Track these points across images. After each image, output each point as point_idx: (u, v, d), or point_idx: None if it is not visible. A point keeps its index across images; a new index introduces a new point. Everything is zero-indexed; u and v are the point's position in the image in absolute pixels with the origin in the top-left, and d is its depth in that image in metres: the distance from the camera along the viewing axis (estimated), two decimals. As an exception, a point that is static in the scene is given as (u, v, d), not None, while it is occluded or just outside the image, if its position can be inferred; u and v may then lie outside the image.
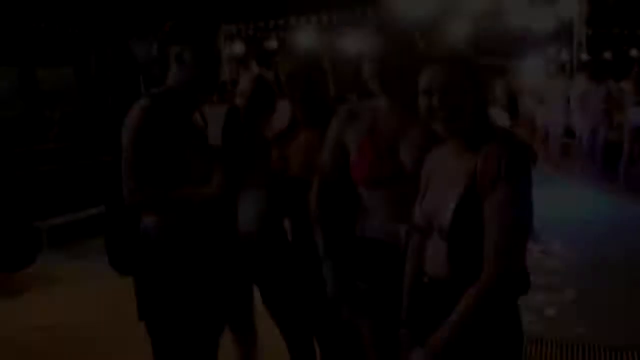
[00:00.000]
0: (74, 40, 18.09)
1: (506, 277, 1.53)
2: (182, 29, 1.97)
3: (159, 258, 1.94)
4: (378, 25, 1.95)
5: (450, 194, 1.58)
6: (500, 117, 11.36)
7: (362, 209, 1.96)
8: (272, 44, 17.92)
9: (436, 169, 1.71)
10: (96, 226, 6.75)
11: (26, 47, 17.19)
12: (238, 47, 14.31)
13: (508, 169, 1.50)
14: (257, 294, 2.61)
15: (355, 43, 16.58)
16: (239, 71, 12.35)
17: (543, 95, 11.90)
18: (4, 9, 12.38)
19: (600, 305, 4.22)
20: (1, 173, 6.02)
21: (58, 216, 6.44)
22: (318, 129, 2.15)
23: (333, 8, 14.67)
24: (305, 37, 16.76)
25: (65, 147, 15.12)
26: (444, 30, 14.45)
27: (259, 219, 2.37)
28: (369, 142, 1.87)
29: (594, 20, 14.51)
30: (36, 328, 4.05)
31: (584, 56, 12.63)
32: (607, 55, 20.89)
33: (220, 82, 2.08)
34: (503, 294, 1.56)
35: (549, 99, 11.79)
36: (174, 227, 1.97)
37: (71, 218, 6.49)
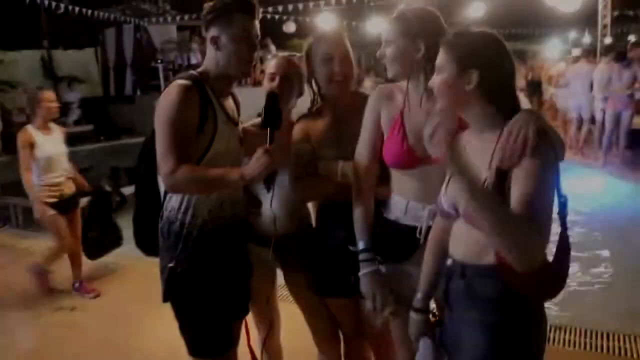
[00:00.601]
0: (94, 22, 18.31)
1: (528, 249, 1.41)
2: (220, 11, 1.91)
3: (195, 247, 1.93)
4: (400, 10, 1.91)
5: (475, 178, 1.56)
6: (521, 102, 11.20)
7: (391, 188, 1.97)
8: (291, 26, 17.92)
9: (461, 153, 1.69)
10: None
11: (48, 30, 17.42)
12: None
13: (532, 144, 1.45)
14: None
15: (374, 26, 16.56)
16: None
17: (566, 79, 11.75)
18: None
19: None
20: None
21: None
22: (345, 112, 2.16)
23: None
24: (325, 20, 16.76)
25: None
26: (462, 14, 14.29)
27: (291, 205, 2.36)
28: (400, 124, 1.88)
29: (620, 1, 14.19)
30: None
31: (608, 39, 12.32)
32: (632, 38, 20.51)
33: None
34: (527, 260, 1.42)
35: (571, 83, 11.64)
36: (212, 218, 1.95)
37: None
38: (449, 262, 1.70)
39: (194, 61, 17.11)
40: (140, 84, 17.61)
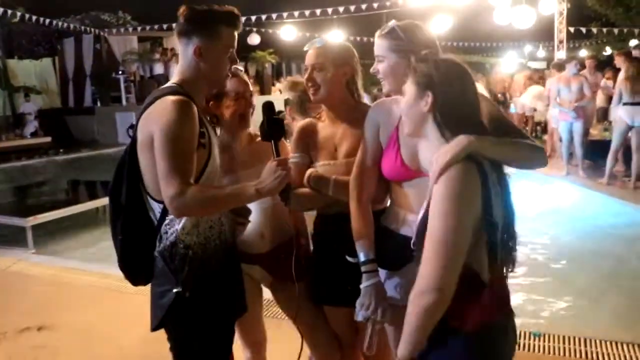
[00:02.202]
0: (52, 32, 17.85)
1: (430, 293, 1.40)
2: (206, 22, 1.85)
3: (202, 267, 1.86)
4: (390, 26, 1.92)
5: None
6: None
7: (390, 199, 1.99)
8: (255, 38, 17.90)
9: None
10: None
11: (2, 39, 16.90)
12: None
13: (437, 170, 1.46)
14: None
15: (336, 38, 16.72)
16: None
17: (523, 92, 12.09)
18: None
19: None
20: None
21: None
22: (345, 123, 2.17)
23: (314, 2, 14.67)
24: (287, 33, 16.82)
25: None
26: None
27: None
28: (396, 139, 1.88)
29: (574, 18, 14.73)
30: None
31: (562, 53, 12.76)
32: (584, 52, 21.32)
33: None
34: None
35: (530, 96, 11.98)
36: (216, 238, 1.90)
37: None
38: None
39: (156, 72, 16.91)
40: (101, 95, 17.27)
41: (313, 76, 2.13)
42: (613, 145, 7.52)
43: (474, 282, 1.48)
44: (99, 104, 17.26)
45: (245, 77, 2.34)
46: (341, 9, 14.30)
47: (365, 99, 2.48)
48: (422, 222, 1.52)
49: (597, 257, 5.28)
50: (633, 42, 17.21)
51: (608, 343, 3.29)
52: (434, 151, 1.53)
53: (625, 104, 7.23)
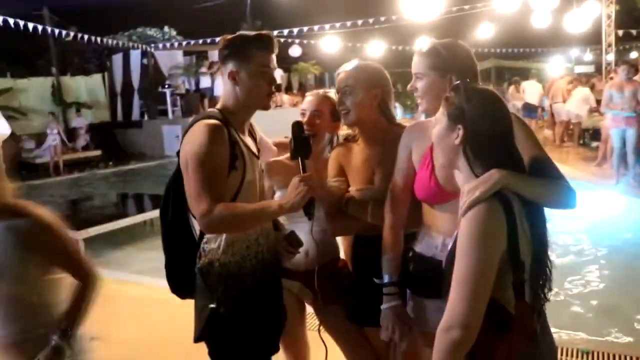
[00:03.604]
0: (101, 49, 18.51)
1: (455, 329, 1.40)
2: (238, 47, 1.92)
3: (237, 286, 1.93)
4: (431, 43, 1.92)
5: None
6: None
7: (423, 222, 1.97)
8: (296, 50, 18.10)
9: None
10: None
11: (56, 57, 17.62)
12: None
13: (465, 207, 1.45)
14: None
15: (376, 49, 16.69)
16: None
17: (571, 96, 11.78)
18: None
19: None
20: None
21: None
22: (380, 146, 2.16)
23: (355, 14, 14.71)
24: (329, 44, 16.92)
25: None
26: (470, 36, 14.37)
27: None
28: (430, 159, 1.86)
29: (624, 20, 14.29)
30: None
31: (611, 56, 12.40)
32: (634, 54, 20.63)
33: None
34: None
35: (576, 100, 11.66)
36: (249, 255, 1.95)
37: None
38: None
39: (202, 85, 17.28)
40: (148, 109, 17.75)
41: (343, 99, 2.14)
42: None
43: (500, 316, 1.47)
44: (146, 117, 17.77)
45: (323, 95, 2.35)
46: (382, 18, 14.31)
47: (397, 110, 2.47)
48: (451, 251, 1.52)
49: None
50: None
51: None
52: (465, 182, 1.52)
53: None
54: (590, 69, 20.23)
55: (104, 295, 4.62)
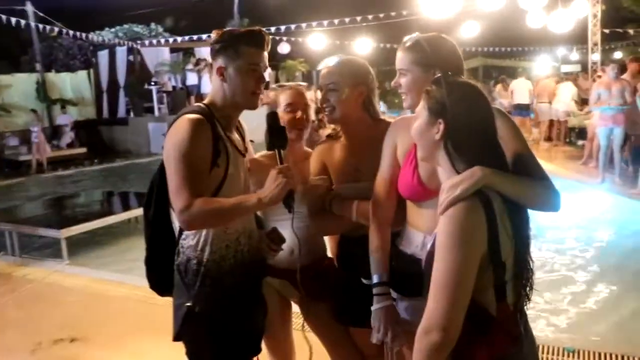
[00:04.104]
0: (86, 45, 18.36)
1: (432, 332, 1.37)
2: (228, 42, 1.86)
3: (214, 284, 1.89)
4: (414, 38, 1.88)
5: None
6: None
7: (406, 219, 1.93)
8: (285, 47, 18.03)
9: None
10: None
11: (41, 54, 17.43)
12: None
13: (445, 204, 1.40)
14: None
15: (363, 46, 16.68)
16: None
17: (557, 95, 11.83)
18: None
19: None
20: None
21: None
22: (364, 142, 2.11)
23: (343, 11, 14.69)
24: (316, 41, 16.86)
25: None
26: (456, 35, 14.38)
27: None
28: (413, 156, 1.82)
29: (610, 20, 14.38)
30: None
31: (596, 56, 12.46)
32: (619, 54, 20.81)
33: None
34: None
35: (563, 98, 11.71)
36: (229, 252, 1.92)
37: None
38: None
39: (189, 83, 17.18)
40: (134, 106, 17.61)
41: (327, 96, 2.08)
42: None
43: (482, 317, 1.43)
44: (132, 114, 17.63)
45: (302, 89, 2.30)
46: (370, 16, 14.29)
47: (381, 108, 2.44)
48: (431, 250, 1.47)
49: (635, 269, 5.12)
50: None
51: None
52: (446, 178, 1.47)
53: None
54: (576, 68, 20.34)
55: (88, 295, 4.62)
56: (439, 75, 1.56)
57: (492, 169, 1.43)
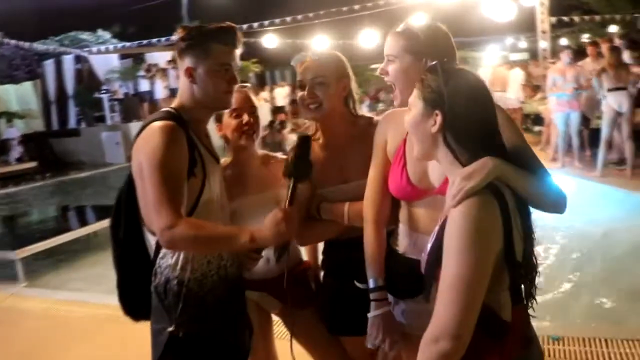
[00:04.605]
0: (31, 55, 17.69)
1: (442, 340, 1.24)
2: (196, 40, 1.71)
3: (198, 305, 1.74)
4: (405, 25, 1.76)
5: None
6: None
7: (399, 219, 1.82)
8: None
9: None
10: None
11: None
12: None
13: (457, 198, 1.28)
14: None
15: (323, 44, 16.62)
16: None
17: (508, 84, 12.03)
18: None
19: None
20: None
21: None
22: (344, 141, 2.02)
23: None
24: (269, 41, 16.69)
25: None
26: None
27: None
28: (402, 153, 1.72)
29: (555, 8, 14.73)
30: None
31: (544, 43, 12.73)
32: (565, 41, 21.40)
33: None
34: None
35: (515, 86, 11.91)
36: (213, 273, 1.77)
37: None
38: None
39: (141, 89, 16.75)
40: (85, 116, 17.10)
41: (314, 91, 1.95)
42: (603, 134, 7.41)
43: (492, 322, 1.32)
44: (83, 124, 17.08)
45: (247, 91, 2.15)
46: (322, 12, 14.20)
47: (365, 106, 2.34)
48: (432, 250, 1.35)
49: (604, 251, 5.18)
50: (612, 29, 17.27)
51: (630, 342, 3.17)
52: (448, 172, 1.36)
53: (609, 90, 7.17)
54: (525, 56, 20.84)
55: (49, 319, 4.37)
56: (435, 62, 1.42)
57: (501, 160, 1.32)
